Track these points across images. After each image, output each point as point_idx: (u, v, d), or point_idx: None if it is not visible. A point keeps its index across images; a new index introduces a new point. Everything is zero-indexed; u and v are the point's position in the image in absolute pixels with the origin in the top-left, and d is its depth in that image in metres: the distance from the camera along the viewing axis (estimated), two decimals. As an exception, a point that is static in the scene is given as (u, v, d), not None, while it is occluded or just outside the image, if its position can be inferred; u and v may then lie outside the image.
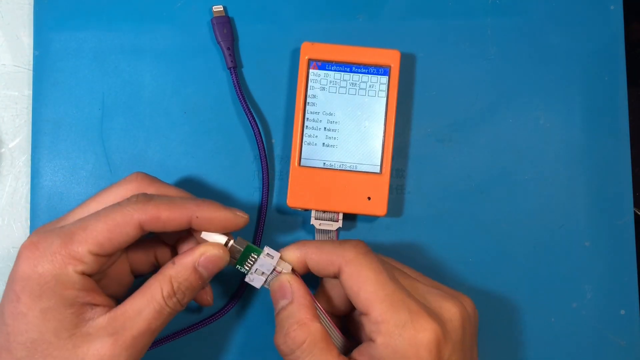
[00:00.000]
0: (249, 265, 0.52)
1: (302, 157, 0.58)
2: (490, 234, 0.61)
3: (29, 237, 0.47)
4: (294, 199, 0.57)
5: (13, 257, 0.60)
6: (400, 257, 0.60)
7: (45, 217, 0.60)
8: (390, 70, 0.58)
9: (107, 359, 0.45)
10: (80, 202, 0.57)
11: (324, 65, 0.58)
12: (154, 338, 0.49)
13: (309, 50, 0.58)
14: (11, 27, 0.63)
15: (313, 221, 0.58)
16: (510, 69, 0.62)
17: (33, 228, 0.60)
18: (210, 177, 0.61)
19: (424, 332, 0.46)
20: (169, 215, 0.48)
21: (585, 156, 0.62)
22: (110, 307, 0.47)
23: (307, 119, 0.58)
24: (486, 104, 0.62)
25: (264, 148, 0.60)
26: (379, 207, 0.57)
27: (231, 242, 0.51)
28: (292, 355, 0.48)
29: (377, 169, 0.57)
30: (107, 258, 0.48)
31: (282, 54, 0.62)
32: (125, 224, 0.47)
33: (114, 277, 0.53)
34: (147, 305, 0.47)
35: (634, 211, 0.61)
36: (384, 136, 0.57)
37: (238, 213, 0.51)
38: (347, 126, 0.58)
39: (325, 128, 0.58)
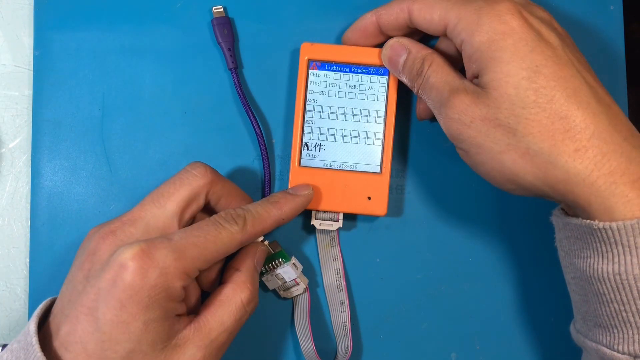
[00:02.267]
0: (272, 267, 0.56)
1: (302, 157, 0.58)
2: (490, 234, 0.61)
3: (134, 245, 0.46)
4: (294, 199, 0.57)
5: (13, 257, 0.60)
6: (400, 257, 0.60)
7: (46, 217, 0.60)
8: (389, 70, 0.58)
9: None
10: (80, 202, 0.57)
11: (323, 65, 0.58)
12: (231, 342, 0.51)
13: (308, 50, 0.58)
14: (11, 27, 0.63)
15: (313, 221, 0.58)
16: (510, 69, 0.62)
17: (33, 228, 0.60)
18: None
19: (499, 4, 0.48)
20: (262, 231, 0.52)
21: (585, 156, 0.61)
22: (184, 313, 0.49)
23: (307, 119, 0.58)
24: (486, 104, 0.62)
25: (265, 148, 0.60)
26: (379, 207, 0.57)
27: (266, 241, 0.56)
28: (424, 81, 0.52)
29: (377, 169, 0.57)
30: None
31: (282, 54, 0.62)
32: (230, 246, 0.50)
33: None
34: (229, 316, 0.49)
35: (634, 211, 0.61)
36: (384, 136, 0.57)
37: (306, 192, 0.56)
38: (347, 126, 0.58)
39: (325, 128, 0.58)
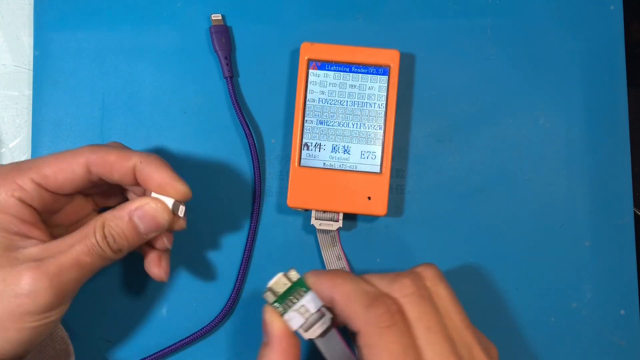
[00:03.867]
0: (292, 301, 0.47)
1: (302, 157, 0.58)
2: (490, 234, 0.61)
3: None
4: (294, 199, 0.57)
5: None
6: (400, 257, 0.60)
7: (45, 217, 0.60)
8: (389, 70, 0.58)
9: (26, 282, 0.44)
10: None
11: (323, 65, 0.58)
12: (83, 277, 0.47)
13: (308, 50, 0.58)
14: (11, 27, 0.63)
15: (313, 221, 0.58)
16: (510, 69, 0.62)
17: (33, 228, 0.60)
18: (210, 177, 0.61)
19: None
20: (116, 158, 0.49)
21: (585, 156, 0.61)
22: (37, 238, 0.47)
23: (307, 119, 0.58)
24: (486, 104, 0.62)
25: (257, 161, 0.60)
26: (379, 207, 0.57)
27: (182, 208, 0.52)
28: None
29: (377, 169, 0.57)
30: (53, 195, 0.49)
31: (281, 54, 0.62)
32: (72, 161, 0.48)
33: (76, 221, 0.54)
34: (79, 241, 0.47)
35: (634, 211, 0.61)
36: (384, 136, 0.57)
37: (181, 181, 0.51)
38: (346, 126, 0.58)
39: (325, 128, 0.58)
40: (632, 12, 0.65)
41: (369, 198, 0.57)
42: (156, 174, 0.50)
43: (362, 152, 0.58)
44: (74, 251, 0.46)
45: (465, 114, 0.62)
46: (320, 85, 0.58)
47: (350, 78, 0.58)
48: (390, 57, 0.58)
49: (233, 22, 0.62)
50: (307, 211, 0.59)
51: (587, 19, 0.63)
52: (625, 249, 0.61)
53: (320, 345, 0.48)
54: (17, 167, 0.47)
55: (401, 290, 0.45)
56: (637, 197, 0.64)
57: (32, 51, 0.62)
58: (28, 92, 0.62)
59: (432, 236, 0.61)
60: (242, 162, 0.61)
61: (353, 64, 0.58)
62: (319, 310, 0.47)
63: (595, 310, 0.61)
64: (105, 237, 0.48)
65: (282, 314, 0.47)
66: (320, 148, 0.58)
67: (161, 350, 0.59)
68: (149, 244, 0.54)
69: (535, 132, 0.62)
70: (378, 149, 0.57)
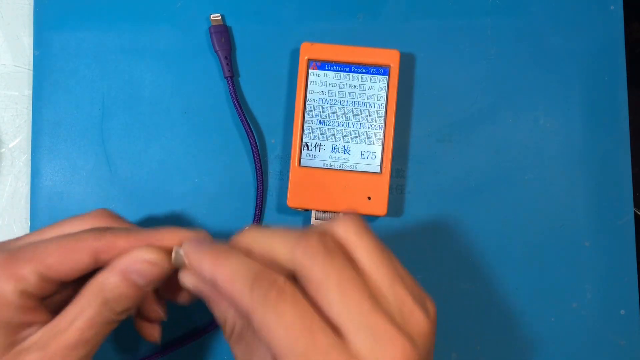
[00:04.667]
0: None
1: (302, 157, 0.58)
2: (490, 234, 0.61)
3: None
4: (294, 199, 0.57)
5: (13, 257, 0.59)
6: (400, 257, 0.60)
7: (45, 217, 0.60)
8: (389, 70, 0.58)
9: None
10: (80, 202, 0.57)
11: (323, 65, 0.58)
12: (92, 350, 0.44)
13: (308, 50, 0.58)
14: (11, 27, 0.63)
15: (313, 221, 0.58)
16: (510, 69, 0.62)
17: (33, 228, 0.60)
18: (210, 176, 0.61)
19: None
20: (126, 244, 0.45)
21: (585, 156, 0.61)
22: (39, 322, 0.44)
23: (307, 119, 0.58)
24: (486, 104, 0.62)
25: (259, 161, 0.60)
26: (379, 207, 0.57)
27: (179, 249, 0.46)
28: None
29: (377, 169, 0.57)
30: (56, 284, 0.45)
31: (281, 54, 0.62)
32: (78, 250, 0.44)
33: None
34: (79, 314, 0.43)
35: (634, 211, 0.61)
36: (384, 136, 0.57)
37: (199, 231, 0.47)
38: (346, 126, 0.58)
39: (325, 128, 0.58)
40: (632, 11, 0.65)
41: (369, 198, 0.57)
42: (175, 240, 0.46)
43: (362, 152, 0.58)
44: (75, 329, 0.43)
45: (465, 114, 0.62)
46: (320, 85, 0.58)
47: (350, 78, 0.58)
48: (390, 57, 0.58)
49: (233, 22, 0.62)
50: (307, 211, 0.59)
51: (587, 19, 0.63)
52: (625, 249, 0.61)
53: None
54: (16, 256, 0.43)
55: (305, 251, 0.40)
56: (637, 197, 0.64)
57: (32, 51, 0.62)
58: (28, 92, 0.62)
59: (432, 236, 0.61)
60: (242, 162, 0.61)
61: (353, 64, 0.58)
62: None
63: (595, 310, 0.61)
64: (105, 303, 0.44)
65: None
66: (320, 148, 0.58)
67: (156, 353, 0.59)
68: (141, 315, 0.51)
69: (535, 132, 0.62)
70: (378, 149, 0.58)
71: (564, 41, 0.62)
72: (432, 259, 0.61)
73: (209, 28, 0.61)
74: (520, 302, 0.61)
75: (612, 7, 0.63)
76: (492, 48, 0.62)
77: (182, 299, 0.51)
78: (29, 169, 0.61)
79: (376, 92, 0.58)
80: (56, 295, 0.47)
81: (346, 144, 0.58)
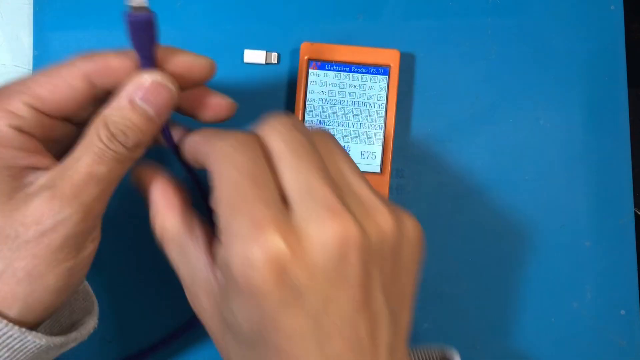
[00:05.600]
0: None
1: (302, 156, 0.58)
2: (490, 234, 0.61)
3: None
4: (293, 199, 0.57)
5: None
6: (400, 257, 0.60)
7: None
8: (390, 70, 0.58)
9: (47, 216, 0.39)
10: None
11: (323, 65, 0.58)
12: (105, 190, 0.42)
13: (308, 50, 0.58)
14: (11, 27, 0.63)
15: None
16: (510, 69, 0.62)
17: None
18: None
19: (256, 250, 0.35)
20: (120, 62, 0.42)
21: (585, 156, 0.61)
22: (44, 166, 0.41)
23: (307, 119, 0.58)
24: (486, 104, 0.62)
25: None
26: (378, 207, 0.57)
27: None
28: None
29: (377, 169, 0.57)
30: (53, 120, 0.42)
31: (281, 54, 0.62)
32: (68, 75, 0.41)
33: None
34: (86, 150, 0.40)
35: (635, 211, 0.61)
36: (384, 136, 0.58)
37: (203, 57, 0.45)
38: (346, 126, 0.58)
39: (324, 128, 0.58)
40: (633, 11, 0.65)
41: (369, 198, 0.57)
42: (179, 61, 0.44)
43: (362, 152, 0.58)
44: (83, 164, 0.40)
45: (465, 114, 0.62)
46: (320, 85, 0.58)
47: (350, 78, 0.58)
48: (391, 57, 0.58)
49: (233, 21, 0.62)
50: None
51: (587, 19, 0.63)
52: (625, 249, 0.61)
53: None
54: (4, 91, 0.41)
55: (269, 125, 0.41)
56: (637, 197, 0.64)
57: (31, 51, 0.62)
58: (28, 92, 0.62)
59: (431, 236, 0.61)
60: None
61: (353, 63, 0.58)
62: None
63: (595, 311, 0.61)
64: (113, 135, 0.40)
65: None
66: (320, 148, 0.58)
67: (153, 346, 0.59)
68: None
69: (535, 132, 0.62)
70: (378, 149, 0.58)
71: (564, 41, 0.62)
72: (432, 259, 0.60)
73: (128, 17, 0.42)
74: (520, 302, 0.61)
75: (612, 7, 0.63)
76: (492, 48, 0.62)
77: (210, 113, 0.48)
78: (29, 168, 0.61)
79: (376, 92, 0.58)
80: (62, 139, 0.45)
81: (346, 144, 0.58)
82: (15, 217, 0.39)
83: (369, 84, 0.58)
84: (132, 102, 0.41)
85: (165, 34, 0.59)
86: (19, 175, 0.40)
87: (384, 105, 0.58)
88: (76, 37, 0.62)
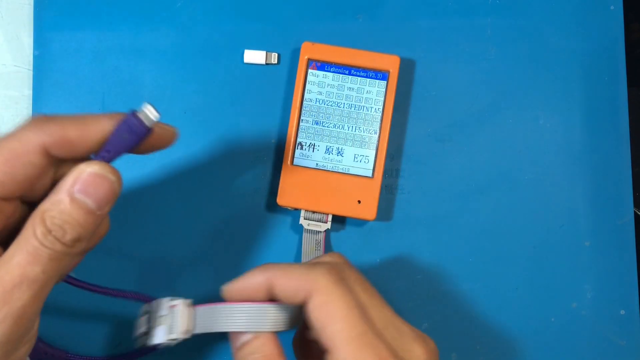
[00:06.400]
0: (144, 323, 0.46)
1: (295, 156, 0.58)
2: (490, 234, 0.61)
3: None
4: (284, 198, 0.58)
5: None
6: (398, 257, 0.60)
7: None
8: (389, 75, 0.58)
9: None
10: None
11: (323, 66, 0.58)
12: (39, 291, 0.38)
13: (309, 50, 0.58)
14: (11, 27, 0.63)
15: (302, 221, 0.58)
16: (510, 69, 0.62)
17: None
18: (210, 176, 0.61)
19: None
20: (79, 134, 0.40)
21: (585, 156, 0.61)
22: None
23: (303, 118, 0.58)
24: (486, 104, 0.62)
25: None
26: (368, 211, 0.57)
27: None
28: None
29: (370, 173, 0.58)
30: (4, 201, 0.40)
31: (282, 53, 0.62)
32: (25, 152, 0.39)
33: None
34: (20, 248, 0.38)
35: (634, 211, 0.61)
36: (378, 141, 0.58)
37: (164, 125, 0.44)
38: (342, 128, 0.58)
39: (320, 129, 0.58)
40: (632, 12, 0.65)
41: (359, 202, 0.57)
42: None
43: (356, 156, 0.58)
44: (14, 264, 0.37)
45: (465, 114, 0.62)
46: (319, 85, 0.58)
47: (349, 80, 0.58)
48: (390, 63, 0.58)
49: (233, 21, 0.62)
50: (297, 210, 0.59)
51: (587, 19, 0.62)
52: (625, 249, 0.61)
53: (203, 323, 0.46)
54: None
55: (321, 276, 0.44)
56: (637, 197, 0.64)
57: (32, 51, 0.62)
58: (28, 92, 0.62)
59: (431, 236, 0.61)
60: (243, 162, 0.61)
61: (353, 66, 0.58)
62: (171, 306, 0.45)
63: (595, 310, 0.61)
64: (50, 231, 0.38)
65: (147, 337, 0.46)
66: (314, 148, 0.58)
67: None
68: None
69: (535, 132, 0.62)
70: (371, 153, 0.58)
71: (564, 41, 0.62)
72: (431, 260, 0.61)
73: (131, 116, 0.43)
74: (520, 302, 0.61)
75: (612, 7, 0.63)
76: (492, 48, 0.62)
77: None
78: (29, 168, 0.61)
79: (374, 96, 0.58)
80: (10, 219, 0.42)
81: (340, 146, 0.58)
82: None
83: (367, 88, 0.58)
84: (70, 196, 0.39)
85: (165, 34, 0.60)
86: None
87: (381, 110, 0.58)
88: (76, 37, 0.62)
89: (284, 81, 0.62)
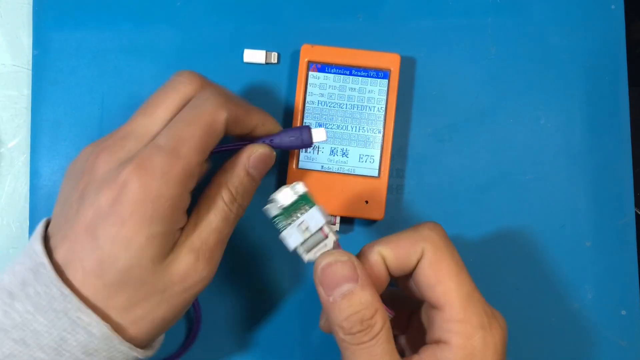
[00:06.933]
0: (295, 217, 0.47)
1: (300, 159, 0.58)
2: (490, 234, 0.61)
3: (127, 163, 0.44)
4: (291, 202, 0.57)
5: (12, 258, 0.60)
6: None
7: (45, 217, 0.60)
8: (390, 74, 0.58)
9: (193, 275, 0.46)
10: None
11: (323, 67, 0.58)
12: (224, 246, 0.49)
13: (308, 52, 0.58)
14: (11, 27, 0.63)
15: (309, 224, 0.58)
16: (510, 69, 0.62)
17: (32, 228, 0.60)
18: (210, 176, 0.61)
19: (499, 335, 0.45)
20: (245, 115, 0.50)
21: (586, 156, 0.61)
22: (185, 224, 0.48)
23: (306, 121, 0.58)
24: (486, 104, 0.62)
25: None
26: (376, 211, 0.57)
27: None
28: (369, 343, 0.44)
29: (375, 173, 0.57)
30: (205, 162, 0.49)
31: (281, 54, 0.62)
32: (216, 124, 0.47)
33: None
34: (215, 216, 0.48)
35: (635, 211, 0.61)
36: (383, 140, 0.57)
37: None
38: (345, 129, 0.58)
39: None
40: (633, 11, 0.65)
41: (367, 202, 0.57)
42: (274, 123, 0.53)
43: (361, 156, 0.57)
44: (215, 228, 0.48)
45: (466, 113, 0.62)
46: (320, 87, 0.58)
47: (350, 81, 0.58)
48: (391, 61, 0.58)
49: (233, 21, 0.62)
50: (304, 214, 0.59)
51: (587, 19, 0.62)
52: (626, 249, 0.61)
53: None
54: (174, 154, 0.45)
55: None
56: (638, 197, 0.64)
57: (31, 51, 0.62)
58: (27, 91, 0.62)
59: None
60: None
61: (353, 67, 0.58)
62: (320, 229, 0.46)
63: (596, 311, 0.61)
64: (234, 199, 0.49)
65: (280, 231, 0.47)
66: (318, 151, 0.58)
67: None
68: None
69: (535, 132, 0.61)
70: (376, 153, 0.57)
71: (564, 41, 0.62)
72: (432, 260, 0.61)
73: (308, 130, 0.53)
74: (521, 303, 0.61)
75: (612, 7, 0.63)
76: (492, 48, 0.62)
77: None
78: (28, 168, 0.61)
79: (376, 95, 0.58)
80: None
81: (344, 147, 0.58)
82: (166, 275, 0.45)
83: (368, 87, 0.58)
84: (246, 170, 0.50)
85: (166, 34, 0.60)
86: (170, 238, 0.45)
87: (384, 109, 0.58)
88: (75, 37, 0.62)
89: (284, 81, 0.62)
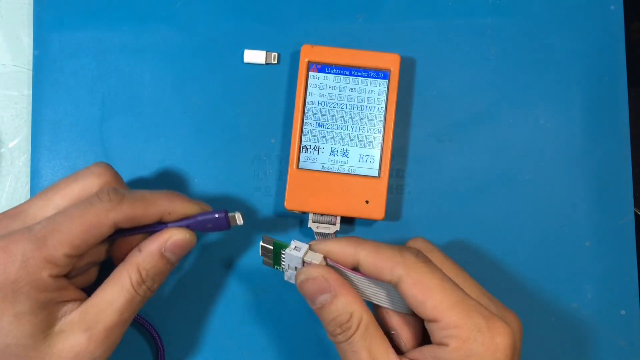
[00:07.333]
0: (283, 263, 0.50)
1: (300, 159, 0.58)
2: (491, 235, 0.61)
3: None
4: (292, 202, 0.57)
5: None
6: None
7: (45, 218, 0.60)
8: (390, 74, 0.58)
9: (83, 354, 0.46)
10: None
11: (323, 68, 0.58)
12: (126, 327, 0.49)
13: (308, 52, 0.58)
14: (11, 27, 0.63)
15: (311, 224, 0.58)
16: (510, 69, 0.62)
17: (33, 228, 0.60)
18: (210, 176, 0.61)
19: (501, 336, 0.44)
20: (144, 213, 0.48)
21: (586, 156, 0.61)
22: (80, 300, 0.47)
23: (306, 121, 0.58)
24: (486, 104, 0.62)
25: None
26: (376, 210, 0.57)
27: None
28: (347, 342, 0.47)
29: (376, 173, 0.57)
30: (79, 258, 0.47)
31: (281, 54, 0.62)
32: (100, 225, 0.47)
33: (82, 269, 0.52)
34: (118, 296, 0.47)
35: (635, 211, 0.61)
36: (383, 140, 0.57)
37: (205, 206, 0.52)
38: (345, 129, 0.58)
39: (324, 131, 0.58)
40: (633, 11, 0.65)
41: (367, 202, 0.57)
42: (186, 214, 0.51)
43: (361, 156, 0.57)
44: (115, 309, 0.47)
45: (465, 114, 0.62)
46: (320, 87, 0.58)
47: (350, 81, 0.58)
48: (391, 61, 0.58)
49: (233, 21, 0.62)
50: (305, 214, 0.59)
51: (587, 19, 0.62)
52: (626, 249, 0.61)
53: None
54: (42, 242, 0.45)
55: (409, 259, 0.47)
56: (637, 197, 0.64)
57: (31, 51, 0.62)
58: (27, 92, 0.62)
59: (432, 237, 0.61)
60: (243, 162, 0.61)
61: (353, 67, 0.58)
62: (303, 262, 0.49)
63: (595, 311, 0.61)
64: (143, 281, 0.48)
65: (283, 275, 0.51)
66: (318, 151, 0.58)
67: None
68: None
69: (535, 132, 0.62)
70: (377, 153, 0.57)
71: (564, 41, 0.62)
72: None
73: (224, 213, 0.52)
74: (521, 303, 0.61)
75: (612, 7, 0.63)
76: (492, 48, 0.62)
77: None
78: (29, 169, 0.61)
79: (376, 95, 0.58)
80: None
81: (345, 147, 0.58)
82: (54, 351, 0.45)
83: (368, 87, 0.58)
84: (161, 252, 0.49)
85: (166, 34, 0.60)
86: (52, 312, 0.46)
87: (384, 109, 0.58)
88: (76, 37, 0.62)
89: (284, 81, 0.62)
